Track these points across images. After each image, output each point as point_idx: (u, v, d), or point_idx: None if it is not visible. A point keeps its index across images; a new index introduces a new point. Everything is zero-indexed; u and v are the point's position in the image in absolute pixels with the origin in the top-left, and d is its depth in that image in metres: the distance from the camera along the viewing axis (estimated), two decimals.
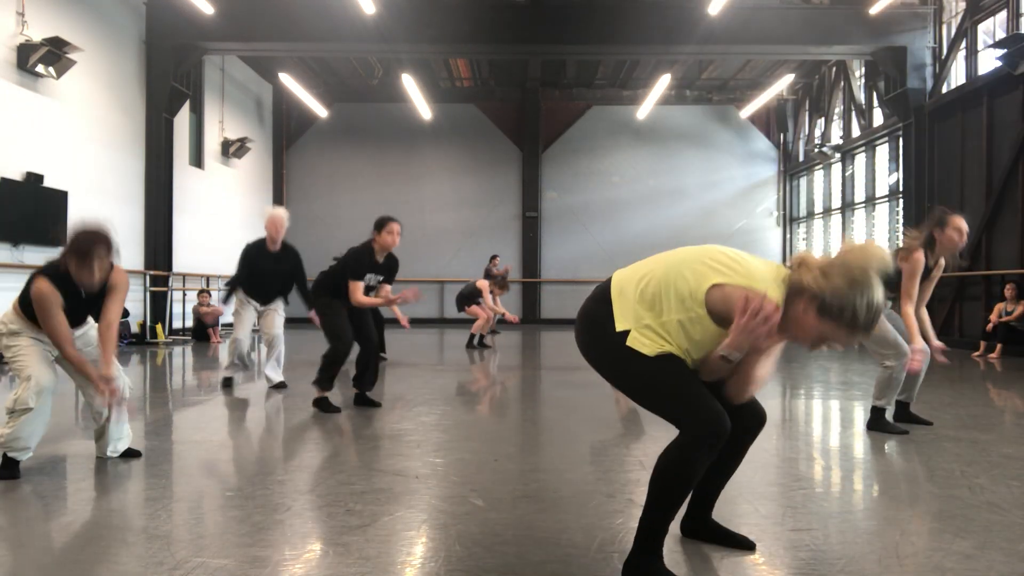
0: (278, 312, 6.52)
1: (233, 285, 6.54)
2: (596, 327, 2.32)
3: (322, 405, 5.34)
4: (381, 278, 5.44)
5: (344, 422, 4.96)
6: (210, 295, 13.05)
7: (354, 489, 3.22)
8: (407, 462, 3.77)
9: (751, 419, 2.41)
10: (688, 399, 2.18)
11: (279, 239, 6.35)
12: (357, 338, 5.51)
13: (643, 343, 2.20)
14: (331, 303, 5.46)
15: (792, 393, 6.58)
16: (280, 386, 6.46)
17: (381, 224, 5.32)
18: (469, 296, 11.37)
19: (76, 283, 3.42)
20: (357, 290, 5.23)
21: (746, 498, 3.10)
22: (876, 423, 4.61)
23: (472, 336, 11.27)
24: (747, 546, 2.50)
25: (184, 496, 3.11)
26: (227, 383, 6.53)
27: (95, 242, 3.37)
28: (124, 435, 3.80)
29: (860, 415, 5.40)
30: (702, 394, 2.19)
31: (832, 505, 3.08)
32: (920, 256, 4.36)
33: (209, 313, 12.54)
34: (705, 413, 2.14)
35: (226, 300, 6.66)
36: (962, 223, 4.43)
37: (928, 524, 2.78)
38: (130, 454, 3.81)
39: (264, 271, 6.38)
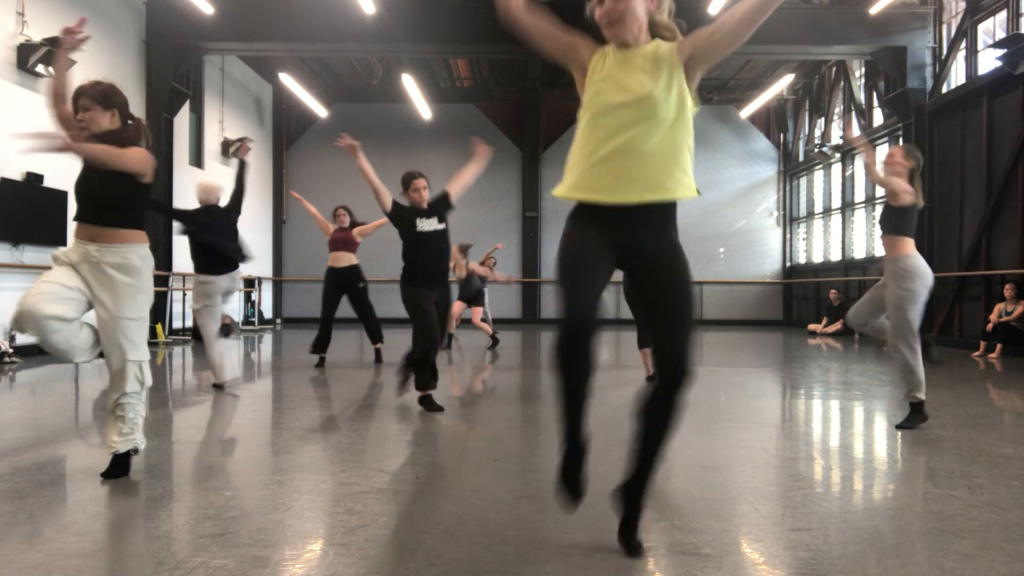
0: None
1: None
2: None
3: (428, 403, 5.27)
4: (435, 219, 5.50)
5: (344, 422, 4.96)
6: None
7: (354, 489, 3.22)
8: (407, 462, 3.77)
9: (673, 369, 2.30)
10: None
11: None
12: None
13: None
14: (414, 293, 5.25)
15: (792, 393, 6.58)
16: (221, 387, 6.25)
17: (407, 182, 5.57)
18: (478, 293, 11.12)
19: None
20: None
21: (746, 498, 3.10)
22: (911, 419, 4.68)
23: (495, 338, 11.10)
24: (632, 552, 2.40)
25: (184, 496, 3.11)
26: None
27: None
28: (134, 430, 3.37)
29: (860, 415, 5.41)
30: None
31: (832, 505, 3.08)
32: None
33: None
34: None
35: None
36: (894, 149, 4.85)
37: (928, 524, 2.78)
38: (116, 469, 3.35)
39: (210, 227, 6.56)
